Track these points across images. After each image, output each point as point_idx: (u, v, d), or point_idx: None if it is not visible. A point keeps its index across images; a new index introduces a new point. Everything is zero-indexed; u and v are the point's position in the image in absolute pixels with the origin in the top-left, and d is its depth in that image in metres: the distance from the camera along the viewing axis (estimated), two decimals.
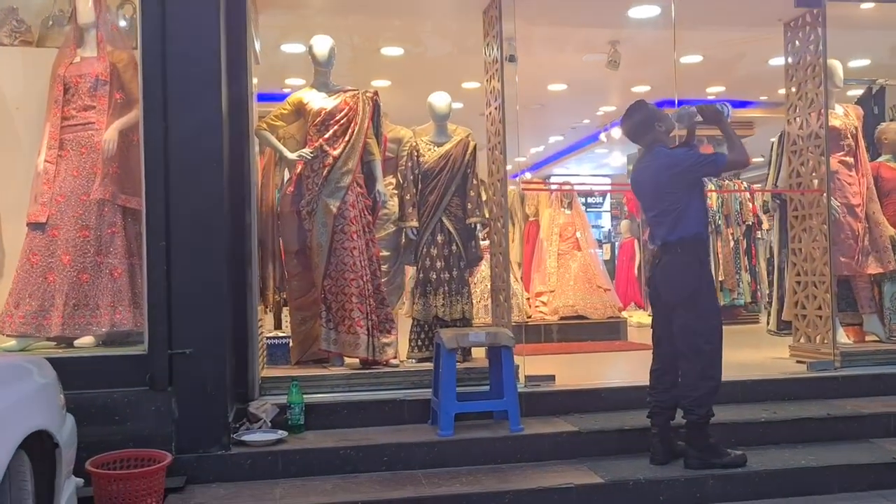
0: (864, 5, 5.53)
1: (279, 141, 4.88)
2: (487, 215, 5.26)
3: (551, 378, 4.76)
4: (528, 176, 13.07)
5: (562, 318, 7.81)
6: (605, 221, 14.55)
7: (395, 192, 5.28)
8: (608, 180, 14.22)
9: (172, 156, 3.86)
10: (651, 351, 4.05)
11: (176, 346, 3.84)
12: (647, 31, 6.44)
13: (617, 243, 12.09)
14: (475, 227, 5.17)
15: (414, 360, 5.05)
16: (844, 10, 5.46)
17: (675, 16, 5.20)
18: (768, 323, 6.02)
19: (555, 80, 8.38)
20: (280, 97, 5.28)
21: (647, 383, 4.02)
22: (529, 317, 7.89)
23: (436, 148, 5.18)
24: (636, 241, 10.59)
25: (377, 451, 3.98)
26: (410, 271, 5.61)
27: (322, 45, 4.84)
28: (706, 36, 6.55)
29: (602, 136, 10.67)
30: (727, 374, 3.93)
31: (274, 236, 5.06)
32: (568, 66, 7.81)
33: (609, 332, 7.76)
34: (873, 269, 5.44)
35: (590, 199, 14.16)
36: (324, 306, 4.77)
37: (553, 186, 9.17)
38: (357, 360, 4.78)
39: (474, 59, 5.31)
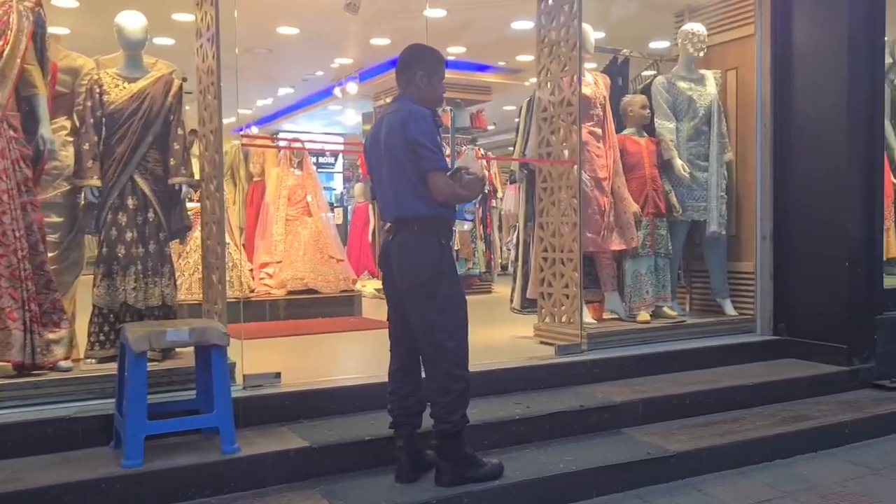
0: None
1: None
2: (197, 175, 4.20)
3: (276, 377, 3.90)
4: (254, 130, 11.88)
5: (290, 293, 6.95)
6: (338, 184, 13.82)
7: (70, 139, 4.02)
8: (341, 139, 13.44)
9: None
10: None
11: None
12: None
13: (350, 207, 11.41)
14: (180, 188, 4.08)
15: (94, 361, 3.88)
16: None
17: None
18: (512, 300, 5.66)
19: (285, 21, 7.36)
20: None
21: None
22: (252, 291, 6.93)
23: (126, 84, 3.99)
24: (370, 205, 9.98)
25: (31, 499, 2.86)
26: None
27: None
28: None
29: (336, 91, 9.82)
30: (475, 361, 3.38)
31: None
32: (300, 6, 6.84)
33: (343, 307, 7.03)
34: (617, 245, 5.24)
35: (321, 160, 13.31)
36: None
37: (281, 143, 8.16)
38: (9, 365, 3.53)
39: None
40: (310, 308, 6.84)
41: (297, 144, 7.64)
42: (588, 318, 5.17)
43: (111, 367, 3.69)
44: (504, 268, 12.07)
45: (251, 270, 7.07)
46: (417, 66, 3.18)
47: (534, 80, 9.47)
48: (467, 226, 3.21)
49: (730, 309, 5.61)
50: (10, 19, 3.53)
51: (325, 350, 5.48)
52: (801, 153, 5.33)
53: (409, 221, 3.11)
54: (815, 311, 5.27)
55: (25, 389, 3.43)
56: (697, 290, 6.01)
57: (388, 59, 8.82)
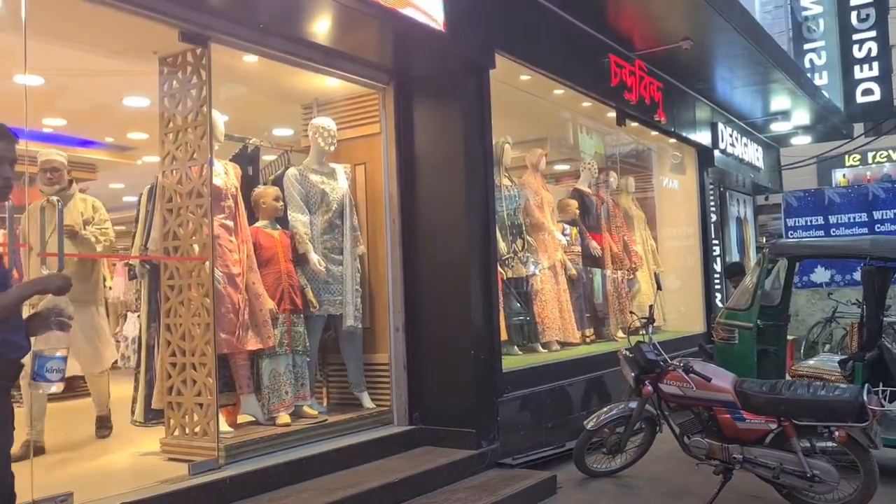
0: (247, 57, 5.03)
1: None
2: None
3: None
4: None
5: None
6: None
7: None
8: None
9: None
10: None
11: None
12: None
13: None
14: None
15: None
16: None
17: (25, 16, 3.77)
18: (133, 412, 4.94)
19: None
20: None
21: None
22: None
23: None
24: None
25: None
26: None
27: None
28: (56, 53, 5.20)
29: None
30: (88, 491, 2.75)
31: None
32: None
33: None
34: (253, 344, 4.91)
35: None
36: None
37: None
38: None
39: None
40: None
41: None
42: (223, 425, 4.71)
43: None
44: (115, 362, 10.84)
45: None
46: None
47: (147, 158, 8.88)
48: (54, 388, 2.55)
49: (367, 402, 5.59)
50: None
51: None
52: (427, 248, 5.60)
53: None
54: (446, 398, 5.49)
55: None
56: (334, 384, 5.91)
57: None
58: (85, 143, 8.43)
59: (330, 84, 5.72)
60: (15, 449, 2.58)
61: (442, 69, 5.63)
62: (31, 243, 4.99)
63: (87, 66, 5.55)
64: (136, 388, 4.99)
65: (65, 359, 2.61)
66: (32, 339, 2.53)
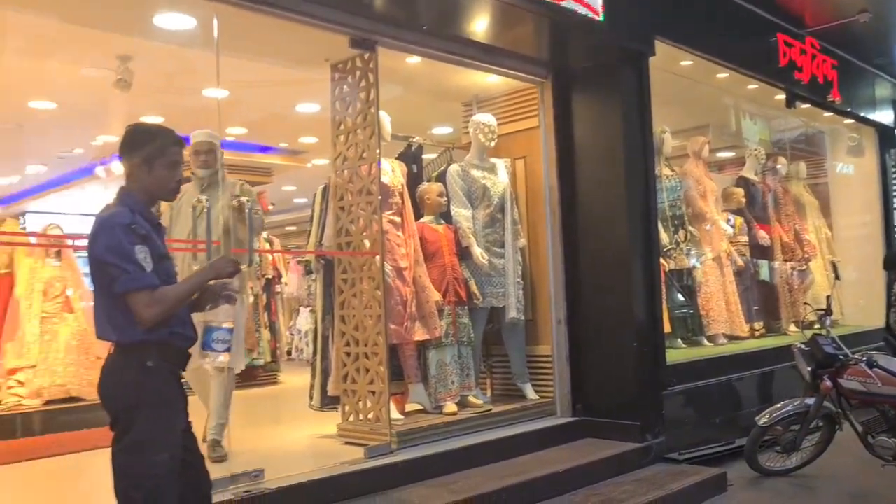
0: (411, 59, 5.24)
1: None
2: None
3: None
4: None
5: (48, 402, 6.01)
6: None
7: None
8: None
9: None
10: None
11: None
12: (173, 48, 5.28)
13: None
14: None
15: None
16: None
17: (217, 34, 4.14)
18: (311, 398, 5.29)
19: (39, 95, 6.57)
20: None
21: None
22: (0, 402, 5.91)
23: None
24: None
25: None
26: None
27: None
28: (239, 67, 5.65)
29: (99, 171, 8.94)
30: (276, 469, 2.94)
31: None
32: (59, 80, 6.13)
33: None
34: (421, 335, 5.10)
35: (78, 243, 12.01)
36: None
37: (38, 236, 7.18)
38: None
39: None
40: (73, 419, 5.93)
41: (55, 230, 6.75)
42: (394, 412, 4.94)
43: None
44: (289, 353, 11.58)
45: None
46: (134, 152, 2.61)
47: (317, 161, 9.41)
48: (221, 358, 2.72)
49: (531, 393, 5.66)
50: None
51: (98, 473, 4.71)
52: (587, 240, 5.59)
53: (110, 341, 2.59)
54: (609, 391, 5.47)
55: None
56: (498, 376, 6.03)
57: None
58: (263, 149, 9.06)
59: (489, 81, 5.84)
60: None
61: (600, 60, 5.60)
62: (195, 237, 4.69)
63: (266, 77, 5.98)
64: (312, 376, 5.33)
65: (230, 331, 2.82)
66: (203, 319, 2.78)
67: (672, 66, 6.33)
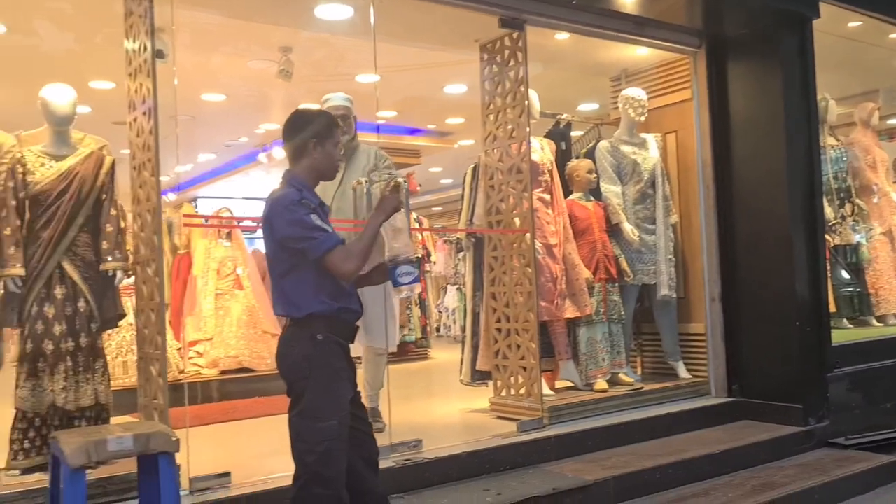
0: (559, 35, 5.23)
1: None
2: (131, 258, 3.85)
3: (225, 477, 3.54)
4: (171, 198, 11.37)
5: (223, 372, 6.52)
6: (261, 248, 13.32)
7: None
8: (263, 204, 13.02)
9: None
10: None
11: None
12: (327, 36, 5.55)
13: None
14: (114, 274, 3.72)
15: (18, 473, 3.43)
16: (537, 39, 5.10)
17: (374, 21, 4.32)
18: (461, 373, 5.44)
19: (211, 88, 7.08)
20: None
21: None
22: (182, 372, 6.46)
23: (53, 163, 3.64)
24: None
25: None
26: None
27: None
28: (390, 52, 5.84)
29: (261, 157, 9.52)
30: (433, 440, 3.06)
31: None
32: (228, 73, 6.58)
33: (279, 385, 6.57)
34: (571, 312, 5.12)
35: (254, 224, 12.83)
36: None
37: (212, 218, 7.75)
38: None
39: (108, 53, 3.88)
40: (245, 388, 6.42)
41: (227, 213, 7.27)
42: (545, 388, 4.99)
43: (37, 480, 3.28)
44: (438, 330, 11.89)
45: (179, 349, 6.61)
46: (304, 134, 2.77)
47: (463, 142, 9.55)
48: (407, 291, 2.78)
49: (683, 372, 5.55)
50: None
51: (270, 438, 5.07)
52: (744, 215, 5.38)
53: (286, 316, 2.78)
54: (767, 371, 5.26)
55: None
56: (648, 354, 5.95)
57: None
58: (411, 132, 9.32)
59: (639, 54, 5.73)
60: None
61: (758, 26, 5.33)
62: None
63: (416, 61, 6.15)
64: (462, 352, 5.47)
65: (410, 262, 2.91)
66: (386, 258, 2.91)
67: (838, 27, 5.95)
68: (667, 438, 4.84)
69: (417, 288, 2.89)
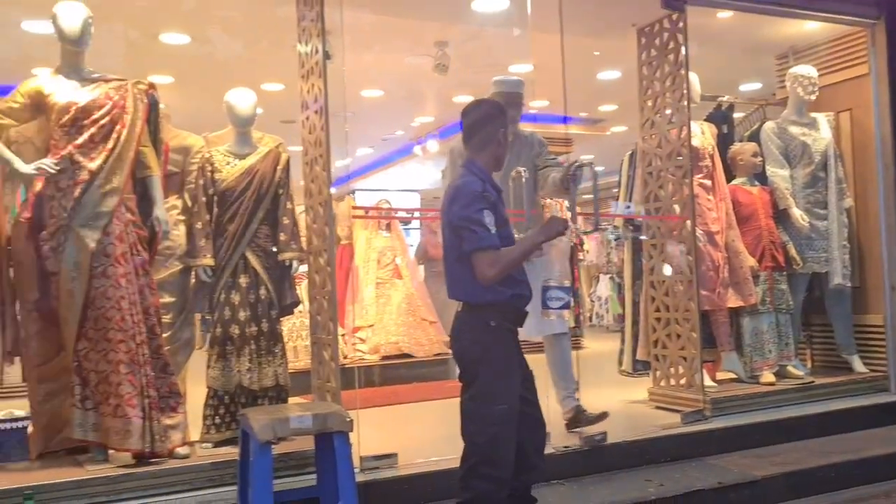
0: (721, 14, 5.04)
1: (8, 147, 3.47)
2: (305, 248, 4.11)
3: (393, 458, 3.72)
4: (332, 191, 11.92)
5: (384, 358, 6.80)
6: (415, 240, 13.72)
7: (182, 218, 4.00)
8: (417, 196, 13.41)
9: None
10: None
11: None
12: (484, 30, 5.64)
13: None
14: (290, 264, 4.00)
15: (210, 445, 3.77)
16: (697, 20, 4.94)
17: (530, 10, 4.36)
18: (621, 363, 5.39)
19: (369, 84, 7.37)
20: None
21: None
22: (345, 357, 6.80)
23: (237, 161, 3.95)
24: None
25: None
26: None
27: (71, 14, 3.49)
28: (543, 41, 5.85)
29: (416, 149, 9.80)
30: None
31: (2, 280, 3.60)
32: (386, 69, 6.83)
33: (437, 370, 6.84)
34: (733, 302, 4.95)
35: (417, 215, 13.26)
36: (77, 378, 3.42)
37: (373, 211, 8.07)
38: (128, 454, 3.44)
39: (276, 56, 4.13)
40: (405, 373, 6.67)
41: (385, 205, 7.56)
42: (706, 379, 4.86)
43: (227, 452, 3.59)
44: (590, 319, 11.78)
45: (343, 336, 6.96)
46: (489, 125, 2.87)
47: (616, 128, 9.39)
48: (553, 316, 2.85)
49: (859, 366, 5.23)
50: (127, 103, 3.54)
51: (431, 422, 5.26)
52: None
53: (460, 301, 2.88)
54: None
55: (146, 479, 3.33)
56: (819, 346, 5.64)
57: None
58: (563, 120, 9.25)
59: (808, 28, 5.42)
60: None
61: None
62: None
63: (569, 48, 6.11)
64: (622, 341, 5.42)
65: (562, 289, 2.95)
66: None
67: None
68: (841, 436, 4.58)
69: (566, 315, 2.93)
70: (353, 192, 12.87)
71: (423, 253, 8.07)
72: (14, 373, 4.14)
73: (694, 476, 3.87)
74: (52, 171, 3.38)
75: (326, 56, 3.83)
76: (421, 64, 6.46)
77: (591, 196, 4.01)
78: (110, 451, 3.48)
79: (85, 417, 3.42)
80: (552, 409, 4.23)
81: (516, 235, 2.98)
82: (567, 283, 2.96)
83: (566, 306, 2.96)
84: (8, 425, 3.66)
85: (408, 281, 7.20)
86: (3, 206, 3.69)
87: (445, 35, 6.00)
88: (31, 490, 2.91)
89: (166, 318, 3.80)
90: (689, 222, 4.65)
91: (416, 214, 12.49)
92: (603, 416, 4.15)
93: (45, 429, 3.60)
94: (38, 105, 3.49)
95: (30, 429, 3.63)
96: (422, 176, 12.32)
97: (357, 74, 6.80)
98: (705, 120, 5.42)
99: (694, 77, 4.91)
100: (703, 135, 5.05)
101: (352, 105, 7.88)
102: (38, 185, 3.48)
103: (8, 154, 3.42)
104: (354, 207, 7.92)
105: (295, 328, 6.40)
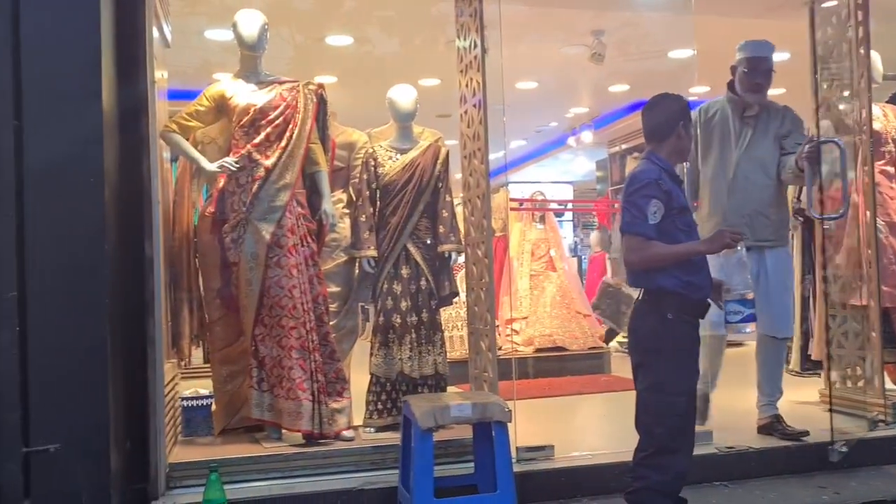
0: None
1: (195, 147, 3.77)
2: (463, 240, 4.19)
3: (549, 450, 3.72)
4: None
5: (537, 350, 6.80)
6: (568, 232, 13.61)
7: (347, 211, 4.18)
8: (570, 188, 13.29)
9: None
10: None
11: (35, 440, 2.70)
12: (640, 16, 5.50)
13: (585, 258, 11.14)
14: (449, 255, 4.09)
15: (373, 430, 3.94)
16: None
17: None
18: (789, 362, 5.10)
19: (525, 77, 7.38)
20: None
21: None
22: (500, 348, 6.85)
23: (398, 156, 4.09)
24: (607, 255, 9.66)
25: None
26: None
27: (249, 21, 3.74)
28: (706, 24, 5.61)
29: (570, 140, 9.71)
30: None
31: (191, 270, 3.92)
32: (541, 61, 6.81)
33: (591, 364, 6.77)
34: None
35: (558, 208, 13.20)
36: (255, 361, 3.66)
37: (528, 203, 8.12)
38: (299, 434, 3.66)
39: (430, 52, 4.22)
40: (558, 366, 6.65)
41: (539, 196, 7.56)
42: (888, 382, 4.51)
43: (389, 437, 3.73)
44: None
45: (497, 327, 7.01)
46: (679, 117, 2.90)
47: None
48: (723, 330, 2.75)
49: None
50: (298, 104, 3.75)
51: (587, 416, 5.23)
52: None
53: (639, 289, 2.88)
54: None
55: (316, 459, 3.52)
56: None
57: (624, 105, 8.58)
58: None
59: None
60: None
61: None
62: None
63: (734, 31, 5.84)
64: (792, 339, 5.12)
65: (743, 302, 2.84)
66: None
67: None
68: None
69: (749, 328, 2.83)
70: (507, 184, 12.96)
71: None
72: (198, 355, 4.53)
73: (873, 485, 3.62)
74: (233, 169, 3.64)
75: (484, 50, 3.88)
76: (576, 54, 6.39)
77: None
78: (283, 430, 3.71)
79: (261, 398, 3.66)
80: (725, 407, 4.09)
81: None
82: (750, 297, 2.83)
83: (748, 320, 2.84)
84: (195, 402, 4.00)
85: (562, 273, 7.15)
86: (190, 201, 4.01)
87: (600, 23, 5.90)
88: (216, 463, 3.15)
89: (332, 308, 4.00)
90: (868, 212, 4.32)
91: (570, 206, 12.37)
92: (804, 433, 3.94)
93: (227, 407, 3.89)
94: (221, 107, 3.77)
95: (213, 407, 3.94)
96: (575, 167, 12.19)
97: (512, 66, 6.79)
98: (887, 102, 5.01)
99: (875, 55, 4.55)
100: (885, 118, 4.69)
101: (507, 97, 7.91)
102: (221, 182, 3.75)
103: (195, 153, 3.72)
104: (513, 199, 7.96)
105: (451, 318, 6.53)
